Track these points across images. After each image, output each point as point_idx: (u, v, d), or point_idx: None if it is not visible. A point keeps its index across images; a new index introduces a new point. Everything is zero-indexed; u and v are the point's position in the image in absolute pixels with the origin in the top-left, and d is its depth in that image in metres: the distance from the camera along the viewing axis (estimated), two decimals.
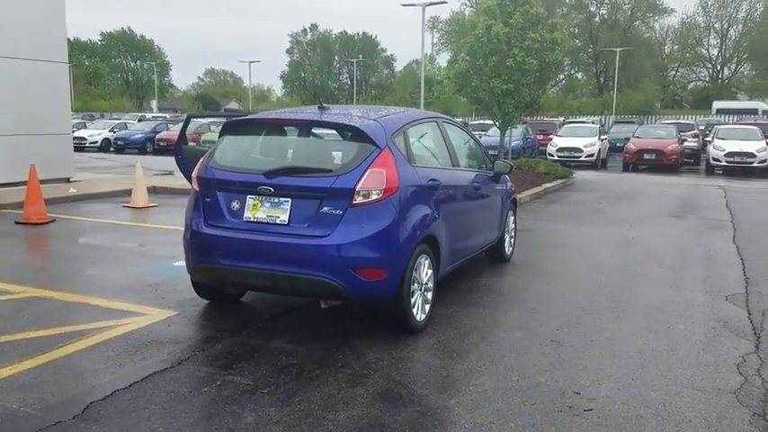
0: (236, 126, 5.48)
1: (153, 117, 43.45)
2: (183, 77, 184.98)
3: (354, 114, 5.37)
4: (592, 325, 5.44)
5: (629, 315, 5.75)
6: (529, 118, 27.87)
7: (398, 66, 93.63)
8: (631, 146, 23.21)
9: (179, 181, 15.61)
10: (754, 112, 50.57)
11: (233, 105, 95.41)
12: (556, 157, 23.21)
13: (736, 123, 30.50)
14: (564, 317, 5.64)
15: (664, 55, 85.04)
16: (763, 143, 21.93)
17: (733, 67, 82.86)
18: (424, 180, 5.26)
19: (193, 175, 5.29)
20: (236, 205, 5.00)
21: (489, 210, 6.95)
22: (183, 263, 6.81)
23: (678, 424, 3.74)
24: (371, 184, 4.72)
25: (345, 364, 4.51)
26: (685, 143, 24.64)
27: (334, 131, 5.38)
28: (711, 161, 21.94)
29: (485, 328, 5.37)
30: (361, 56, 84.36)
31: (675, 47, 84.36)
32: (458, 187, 6.04)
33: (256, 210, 4.92)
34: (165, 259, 7.53)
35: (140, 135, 31.75)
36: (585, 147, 23.53)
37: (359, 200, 4.69)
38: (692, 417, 3.83)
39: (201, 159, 5.34)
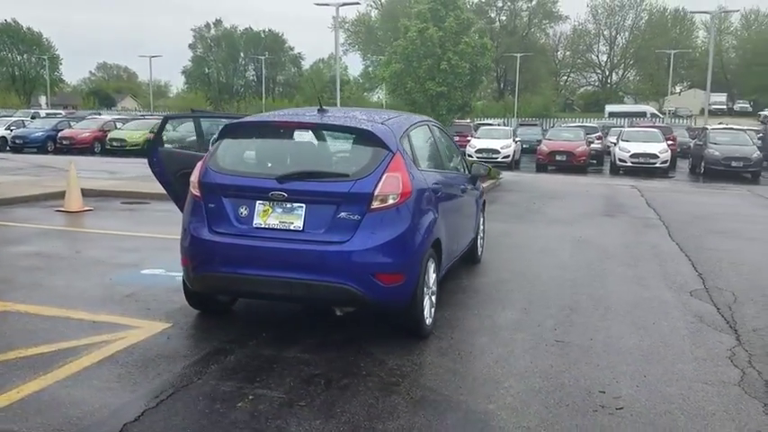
0: (237, 129, 5.29)
1: (48, 114, 41.02)
2: (74, 72, 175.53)
3: (360, 117, 5.31)
4: (585, 324, 5.64)
5: (613, 313, 5.99)
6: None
7: (306, 64, 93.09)
8: (544, 147, 24.20)
9: (107, 182, 14.91)
10: (642, 114, 53.91)
11: (128, 101, 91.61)
12: (475, 158, 23.79)
13: (637, 126, 32.33)
14: (556, 317, 5.82)
15: (557, 60, 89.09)
16: (664, 145, 23.45)
17: (620, 72, 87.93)
18: (429, 183, 5.28)
19: (193, 179, 5.05)
20: (243, 211, 4.83)
21: (470, 211, 7.07)
22: (150, 271, 6.52)
23: (704, 418, 3.95)
24: (389, 188, 4.69)
25: (370, 372, 4.47)
26: (591, 145, 25.92)
27: (338, 134, 5.28)
28: (617, 162, 23.17)
29: (486, 329, 5.45)
30: (267, 53, 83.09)
31: (567, 53, 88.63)
32: (451, 190, 6.10)
33: (267, 216, 4.78)
34: (129, 267, 7.17)
35: (41, 133, 29.92)
36: (502, 148, 24.30)
37: (377, 204, 4.65)
38: (713, 410, 4.05)
39: (201, 163, 5.11)
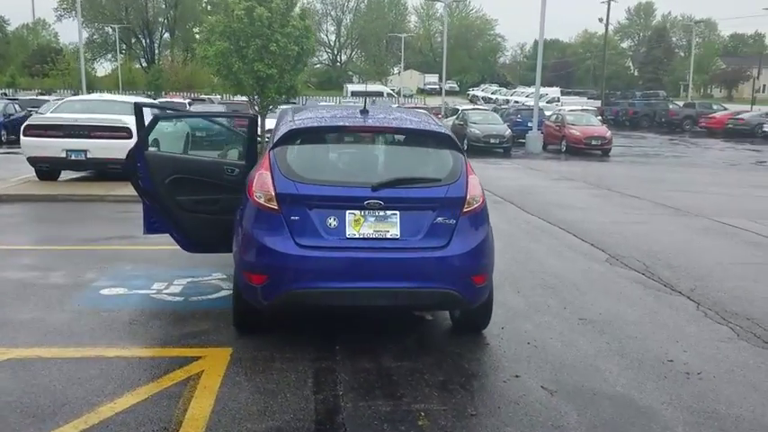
0: (301, 134, 4.94)
1: None
2: None
3: (415, 119, 5.33)
4: (583, 300, 6.34)
5: (588, 287, 6.80)
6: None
7: (10, 29, 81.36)
8: None
9: None
10: (380, 94, 57.48)
11: None
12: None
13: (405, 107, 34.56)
14: (555, 296, 6.41)
15: None
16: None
17: (348, 52, 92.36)
18: None
19: (264, 190, 4.63)
20: (332, 222, 4.60)
21: None
22: (110, 291, 5.88)
23: (717, 347, 4.89)
24: (474, 191, 4.84)
25: (478, 373, 4.64)
26: None
27: (414, 138, 5.21)
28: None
29: (515, 315, 5.83)
30: None
31: None
32: None
33: (360, 225, 4.62)
34: (82, 289, 6.23)
35: None
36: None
37: (467, 208, 4.78)
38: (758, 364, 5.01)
39: (264, 174, 4.69)
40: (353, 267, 4.56)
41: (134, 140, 12.03)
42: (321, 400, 4.12)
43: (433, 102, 54.14)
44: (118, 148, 11.91)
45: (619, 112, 43.59)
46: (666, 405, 4.15)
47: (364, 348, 4.95)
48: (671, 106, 43.37)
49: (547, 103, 47.91)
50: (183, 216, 5.81)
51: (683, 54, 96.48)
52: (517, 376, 4.53)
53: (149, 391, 4.14)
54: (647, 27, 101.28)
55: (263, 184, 4.68)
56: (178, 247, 6.11)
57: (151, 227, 6.51)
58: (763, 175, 20.37)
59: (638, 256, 8.19)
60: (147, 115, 7.02)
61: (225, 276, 6.70)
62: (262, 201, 4.67)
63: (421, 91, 74.37)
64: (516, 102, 49.97)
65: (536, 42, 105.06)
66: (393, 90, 61.31)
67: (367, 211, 4.62)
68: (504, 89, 67.49)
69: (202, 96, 39.86)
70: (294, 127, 4.92)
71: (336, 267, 4.56)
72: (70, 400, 3.99)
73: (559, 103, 46.46)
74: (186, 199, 5.78)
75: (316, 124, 5.09)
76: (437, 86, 79.43)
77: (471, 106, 33.94)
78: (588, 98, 52.53)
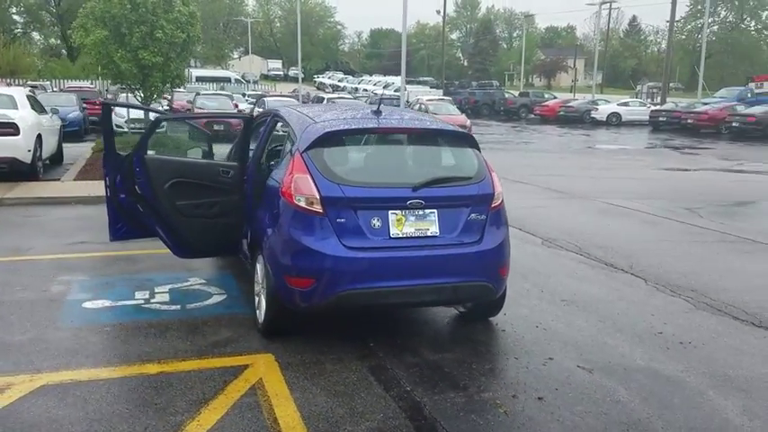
0: (334, 137, 4.93)
1: None
2: None
3: (435, 120, 5.52)
4: (553, 283, 6.87)
5: (548, 270, 7.37)
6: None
7: None
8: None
9: None
10: (228, 80, 55.92)
11: None
12: (126, 129, 22.36)
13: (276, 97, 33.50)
14: (525, 280, 6.87)
15: None
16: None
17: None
18: None
19: (307, 193, 4.61)
20: (376, 222, 4.70)
21: None
22: (94, 303, 5.65)
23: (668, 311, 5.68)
24: (498, 188, 5.16)
25: (516, 358, 4.97)
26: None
27: (440, 139, 5.39)
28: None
29: (506, 301, 6.21)
30: None
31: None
32: None
33: (402, 225, 4.76)
34: (59, 304, 5.81)
35: None
36: None
37: (494, 204, 5.08)
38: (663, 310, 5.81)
39: (303, 177, 4.66)
40: (400, 266, 4.70)
41: (23, 137, 11.06)
42: (396, 397, 4.24)
43: (284, 88, 53.63)
44: (5, 146, 10.86)
45: (462, 101, 45.81)
46: (686, 373, 4.74)
47: (396, 344, 5.10)
48: (507, 95, 46.39)
49: (395, 91, 49.34)
50: (182, 221, 5.57)
51: (505, 46, 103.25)
52: (551, 358, 4.92)
53: (224, 403, 4.04)
54: (473, 19, 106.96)
55: (303, 188, 4.65)
56: (111, 252, 5.89)
57: (117, 233, 6.18)
58: (605, 159, 22.43)
59: (566, 238, 8.95)
60: None
61: (204, 281, 6.50)
62: (303, 204, 4.65)
63: (265, 77, 73.18)
64: (366, 90, 50.82)
65: (372, 31, 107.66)
66: (241, 76, 59.74)
67: (408, 211, 4.77)
68: (351, 77, 68.23)
69: (34, 83, 36.44)
70: (328, 129, 4.92)
71: (384, 267, 4.67)
72: (150, 423, 3.79)
73: (408, 92, 47.85)
74: (185, 203, 5.55)
75: (347, 126, 5.10)
76: (281, 72, 78.76)
77: (336, 95, 34.08)
78: (430, 87, 54.57)
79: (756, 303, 6.30)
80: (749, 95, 39.72)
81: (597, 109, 38.51)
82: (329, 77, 68.46)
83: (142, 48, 13.82)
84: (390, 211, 4.73)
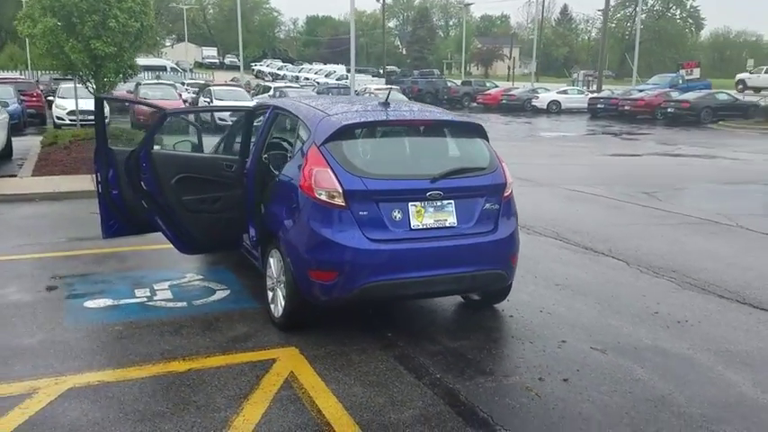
0: (351, 129, 4.96)
1: None
2: None
3: (444, 111, 5.62)
4: (543, 269, 7.06)
5: (535, 256, 7.53)
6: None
7: None
8: (144, 108, 23.18)
9: None
10: (163, 68, 54.45)
11: None
12: (68, 121, 21.55)
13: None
14: (522, 267, 7.07)
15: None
16: None
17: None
18: None
19: (328, 187, 4.62)
20: (397, 214, 4.75)
21: None
22: (96, 302, 5.55)
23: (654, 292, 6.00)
24: (509, 177, 5.29)
25: (530, 342, 5.12)
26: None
27: (452, 129, 5.48)
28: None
29: None
30: None
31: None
32: None
33: (422, 216, 4.83)
34: (59, 303, 5.67)
35: None
36: None
37: (506, 193, 5.21)
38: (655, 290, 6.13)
39: (323, 170, 4.66)
40: (421, 257, 4.77)
41: None
42: (429, 384, 4.32)
43: (221, 77, 52.61)
44: None
45: (405, 90, 46.04)
46: (692, 350, 5.00)
47: (413, 333, 5.19)
48: (450, 84, 46.86)
49: (336, 80, 49.15)
50: (187, 216, 5.48)
51: (442, 34, 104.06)
52: (564, 341, 5.10)
53: (263, 398, 4.04)
54: (409, 7, 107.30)
55: (324, 181, 4.66)
56: (98, 250, 5.82)
57: (110, 230, 6.05)
58: (553, 146, 22.93)
59: (541, 224, 9.19)
60: None
61: (201, 277, 6.44)
62: (325, 198, 4.66)
63: (200, 65, 71.56)
64: (307, 78, 50.40)
65: (308, 18, 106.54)
66: (176, 64, 58.22)
67: (427, 202, 4.84)
68: (291, 65, 67.49)
69: None
70: (346, 122, 4.92)
71: (406, 258, 4.74)
72: (195, 421, 3.77)
73: (347, 80, 47.73)
74: (191, 198, 5.46)
75: (363, 119, 5.11)
76: (216, 60, 77.13)
77: (284, 83, 33.67)
78: (372, 76, 54.61)
79: (735, 282, 6.66)
80: (680, 82, 41.35)
81: (538, 97, 39.34)
82: (268, 65, 67.54)
83: (95, 37, 13.33)
84: (410, 203, 4.79)
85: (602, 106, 36.06)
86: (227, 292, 5.98)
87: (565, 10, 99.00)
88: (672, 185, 13.15)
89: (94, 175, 6.08)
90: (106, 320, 5.23)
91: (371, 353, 4.77)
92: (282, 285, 5.05)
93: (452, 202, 4.92)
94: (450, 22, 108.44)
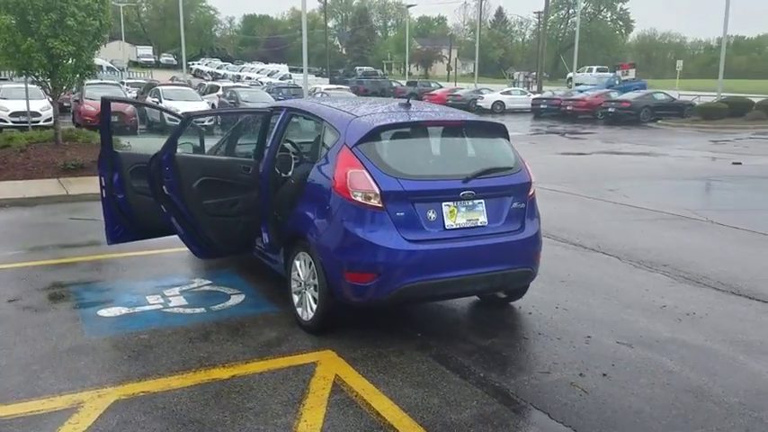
0: (385, 130, 4.94)
1: None
2: None
3: (466, 112, 5.64)
4: (544, 265, 7.19)
5: None
6: None
7: None
8: (91, 108, 22.44)
9: None
10: (100, 68, 52.58)
11: None
12: (10, 123, 20.75)
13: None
14: None
15: None
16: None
17: None
18: None
19: (366, 190, 4.60)
20: (432, 215, 4.78)
21: None
22: (110, 311, 5.41)
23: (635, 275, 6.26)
24: (532, 176, 5.38)
25: (559, 339, 5.23)
26: None
27: (478, 130, 5.52)
28: None
29: None
30: None
31: None
32: None
33: (454, 216, 4.87)
34: (70, 312, 5.44)
35: None
36: (42, 110, 21.47)
37: (531, 192, 5.31)
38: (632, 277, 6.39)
39: (359, 172, 4.64)
40: (455, 256, 4.80)
41: None
42: (476, 383, 4.35)
43: (159, 76, 51.20)
44: None
45: (351, 91, 46.06)
46: (710, 341, 5.20)
47: (442, 333, 5.23)
48: (395, 84, 47.14)
49: (280, 79, 48.66)
50: (207, 220, 5.35)
51: (381, 35, 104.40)
52: (589, 337, 5.22)
53: (317, 402, 4.01)
54: (348, 8, 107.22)
55: (360, 183, 4.64)
56: (92, 257, 5.77)
57: (114, 236, 5.88)
58: None
59: None
60: None
61: (209, 281, 6.32)
62: (360, 199, 4.64)
63: (135, 64, 69.51)
64: (249, 78, 49.71)
65: (246, 16, 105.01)
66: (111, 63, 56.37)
67: (459, 202, 4.88)
68: (231, 64, 66.35)
69: None
70: (378, 123, 4.91)
71: (442, 258, 4.76)
72: (258, 428, 3.70)
73: (292, 80, 47.34)
74: (211, 202, 5.34)
75: (394, 120, 5.09)
76: (152, 59, 75.15)
77: (232, 84, 32.97)
78: (316, 76, 54.34)
79: (725, 275, 6.95)
80: (617, 82, 42.80)
81: (483, 98, 39.95)
82: (207, 64, 66.22)
83: (52, 36, 12.78)
84: (444, 203, 4.82)
85: (546, 106, 36.94)
86: (243, 296, 5.86)
87: (500, 12, 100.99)
88: (630, 182, 13.58)
89: (99, 180, 5.86)
90: (128, 329, 5.05)
91: (409, 354, 4.77)
92: (312, 288, 5.00)
93: (483, 201, 4.98)
94: (389, 23, 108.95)
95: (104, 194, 5.83)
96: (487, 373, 4.50)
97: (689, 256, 7.72)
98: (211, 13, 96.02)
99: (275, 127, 5.77)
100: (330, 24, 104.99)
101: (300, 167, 5.64)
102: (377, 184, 4.62)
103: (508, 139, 5.47)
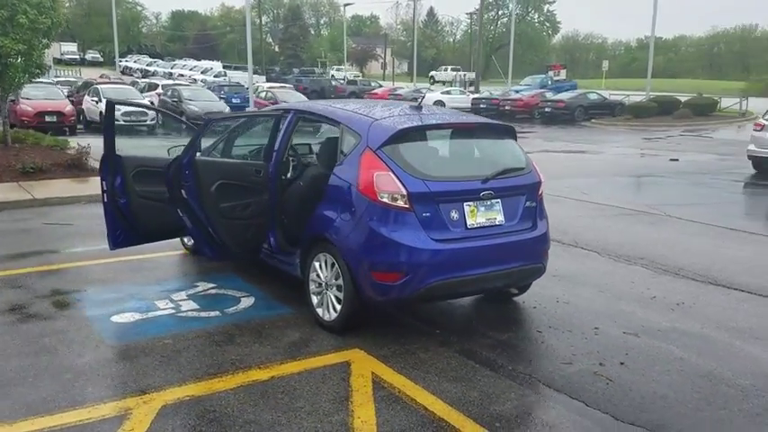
0: (407, 133, 5.03)
1: None
2: None
3: (474, 115, 5.77)
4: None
5: None
6: None
7: None
8: (29, 108, 21.56)
9: None
10: None
11: None
12: None
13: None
14: None
15: None
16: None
17: None
18: None
19: (393, 191, 4.70)
20: (455, 215, 4.93)
21: None
22: (122, 317, 5.41)
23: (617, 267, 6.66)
24: (542, 176, 5.60)
25: (569, 332, 5.47)
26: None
27: (490, 131, 5.66)
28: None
29: None
30: None
31: None
32: None
33: (475, 215, 5.03)
34: (82, 317, 5.32)
35: None
36: None
37: (540, 191, 5.53)
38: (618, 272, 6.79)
39: (385, 174, 4.74)
40: (477, 255, 4.97)
41: None
42: (507, 376, 4.53)
43: (88, 74, 49.40)
44: None
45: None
46: (706, 329, 5.54)
47: (458, 329, 5.40)
48: (335, 83, 47.07)
49: (214, 77, 47.76)
50: (223, 223, 5.33)
51: (313, 32, 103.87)
52: (597, 328, 5.48)
53: (363, 399, 4.09)
54: (280, 4, 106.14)
55: (387, 185, 4.74)
56: (88, 262, 6.25)
57: (116, 240, 5.79)
58: None
59: None
60: None
61: (213, 284, 6.28)
62: (387, 200, 4.74)
63: (59, 61, 66.72)
64: (182, 75, 48.57)
65: (173, 12, 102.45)
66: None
67: (479, 202, 5.05)
68: (161, 60, 64.56)
69: None
70: (401, 126, 5.01)
71: (465, 256, 4.92)
72: (315, 426, 3.76)
73: (227, 78, 46.56)
74: (227, 205, 5.33)
75: (414, 123, 5.19)
76: (77, 56, 72.42)
77: (175, 82, 32.14)
78: (253, 73, 53.52)
79: (699, 266, 7.37)
80: (549, 83, 44.12)
81: (424, 97, 40.38)
82: (135, 61, 64.27)
83: (2, 34, 12.26)
84: (465, 203, 4.98)
85: (485, 106, 37.61)
86: (252, 299, 5.86)
87: (431, 12, 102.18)
88: (582, 180, 14.09)
89: (100, 183, 5.73)
90: (148, 334, 4.99)
91: (435, 350, 4.91)
92: (334, 288, 5.06)
93: (500, 201, 5.16)
94: (322, 21, 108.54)
95: (106, 199, 5.71)
96: (515, 366, 4.68)
97: (659, 249, 8.14)
98: (138, 8, 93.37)
99: (282, 130, 5.79)
100: (262, 21, 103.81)
101: (310, 170, 5.69)
102: (404, 186, 4.73)
103: (516, 140, 5.67)
